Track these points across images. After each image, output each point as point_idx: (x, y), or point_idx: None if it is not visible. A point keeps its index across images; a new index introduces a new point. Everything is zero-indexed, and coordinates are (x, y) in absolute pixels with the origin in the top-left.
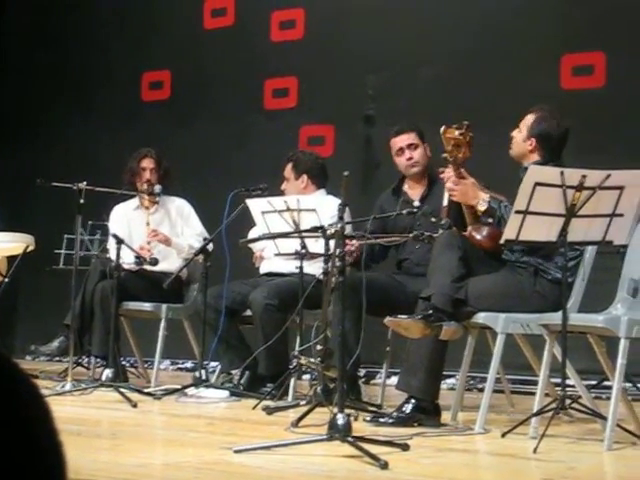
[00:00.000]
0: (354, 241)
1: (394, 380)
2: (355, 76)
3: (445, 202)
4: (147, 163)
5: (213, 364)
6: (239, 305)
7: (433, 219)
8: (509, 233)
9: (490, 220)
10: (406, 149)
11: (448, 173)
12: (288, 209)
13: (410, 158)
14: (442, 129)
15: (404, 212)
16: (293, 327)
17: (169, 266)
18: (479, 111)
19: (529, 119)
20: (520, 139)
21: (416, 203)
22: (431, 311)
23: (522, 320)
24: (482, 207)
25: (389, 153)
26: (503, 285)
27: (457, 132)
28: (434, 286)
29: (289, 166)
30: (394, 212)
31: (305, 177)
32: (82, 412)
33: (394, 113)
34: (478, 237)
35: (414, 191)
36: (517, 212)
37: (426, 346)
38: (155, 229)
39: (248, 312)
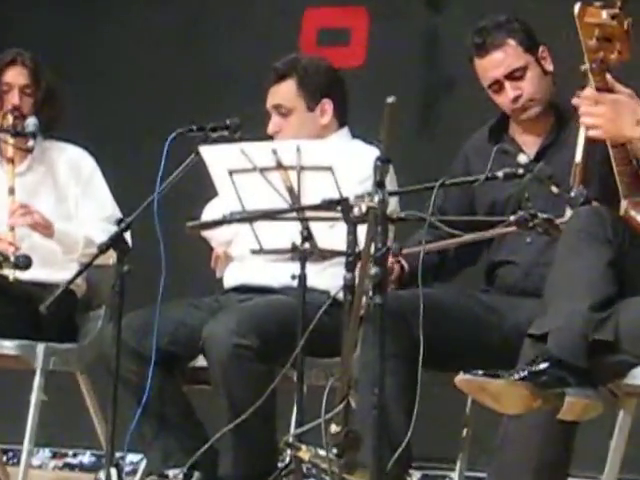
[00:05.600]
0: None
1: None
2: None
3: (578, 157)
4: (14, 76)
5: (133, 458)
6: (184, 347)
7: (555, 188)
8: None
9: None
10: (505, 81)
11: (588, 92)
12: (279, 166)
13: (518, 96)
14: (576, 9)
15: (499, 174)
16: (286, 389)
17: (51, 274)
18: None
19: None
20: None
21: (523, 158)
22: (545, 365)
23: None
24: None
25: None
26: None
27: (605, 14)
28: (556, 316)
29: (289, 84)
30: (481, 175)
31: (328, 104)
32: None
33: None
34: None
35: (528, 137)
36: None
37: (536, 430)
38: (25, 203)
39: (201, 360)
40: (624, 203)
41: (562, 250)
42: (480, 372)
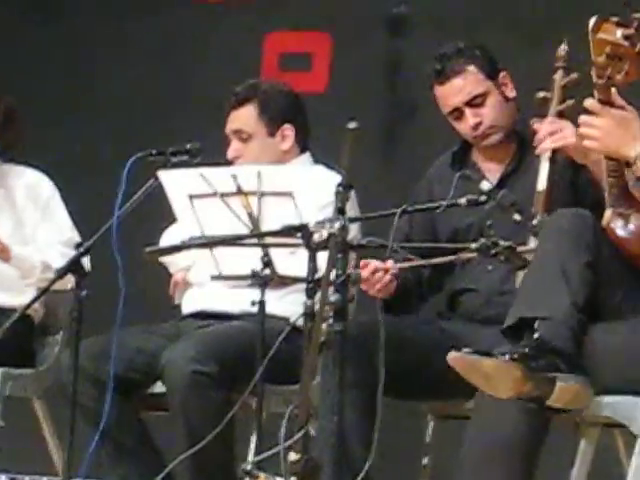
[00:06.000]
0: (390, 262)
1: None
2: None
3: (541, 185)
4: None
5: None
6: (142, 374)
7: (517, 216)
8: None
9: None
10: (465, 108)
11: (591, 102)
12: (239, 191)
13: (478, 123)
14: (592, 22)
15: (461, 202)
16: (245, 417)
17: (8, 299)
18: None
19: None
20: None
21: (486, 185)
22: (530, 348)
23: None
24: None
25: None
26: None
27: (620, 33)
28: (541, 306)
29: (249, 109)
30: (443, 202)
31: (289, 129)
32: None
33: (443, 10)
34: (620, 232)
35: (490, 164)
36: None
37: (505, 451)
38: None
39: (159, 387)
40: (608, 212)
41: (542, 248)
42: (471, 349)
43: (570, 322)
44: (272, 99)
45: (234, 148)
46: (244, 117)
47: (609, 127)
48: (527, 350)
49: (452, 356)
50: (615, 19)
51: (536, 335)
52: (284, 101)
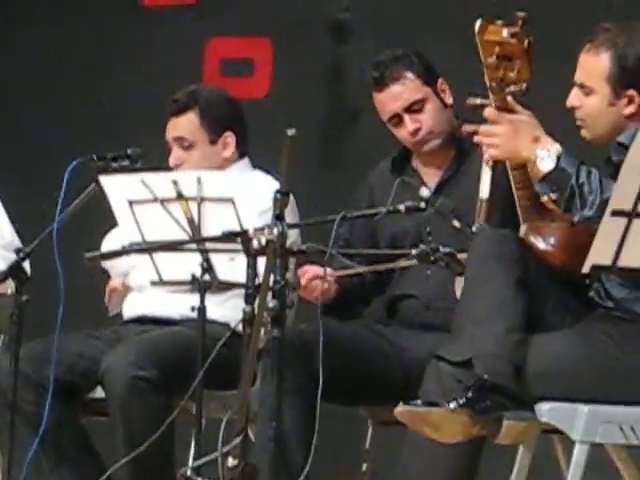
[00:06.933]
0: (329, 270)
1: None
2: None
3: (483, 193)
4: None
5: None
6: (82, 378)
7: (456, 222)
8: (600, 252)
9: (554, 197)
10: (404, 114)
11: (488, 112)
12: (179, 197)
13: (417, 129)
14: (477, 26)
15: (401, 208)
16: (184, 422)
17: None
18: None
19: (601, 60)
20: (598, 104)
21: (425, 192)
22: (473, 391)
23: (621, 418)
24: (545, 165)
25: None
26: (588, 351)
27: (505, 32)
28: (476, 341)
29: (191, 117)
30: (382, 208)
31: (230, 137)
32: None
33: (384, 16)
34: (542, 246)
35: (429, 169)
36: (615, 213)
37: (445, 459)
38: None
39: (99, 392)
40: (523, 228)
41: (471, 274)
42: (419, 402)
43: (508, 353)
44: (213, 106)
45: (176, 156)
46: (185, 125)
47: (507, 133)
48: (470, 394)
49: (399, 410)
50: (499, 21)
51: (476, 375)
52: (225, 108)
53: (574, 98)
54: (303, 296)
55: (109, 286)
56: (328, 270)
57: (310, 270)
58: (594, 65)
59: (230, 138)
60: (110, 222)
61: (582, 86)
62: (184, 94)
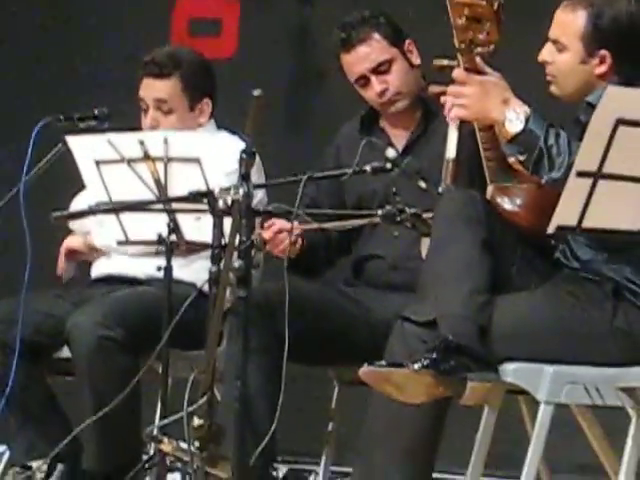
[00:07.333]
0: (295, 223)
1: None
2: None
3: (451, 153)
4: None
5: None
6: (48, 337)
7: (422, 183)
8: (565, 213)
9: (522, 158)
10: (371, 75)
11: (456, 73)
12: (146, 157)
13: (384, 90)
14: None
15: (367, 169)
16: (150, 381)
17: None
18: None
19: (577, 18)
20: (569, 61)
21: (391, 153)
22: (438, 351)
23: (586, 379)
24: (513, 127)
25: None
26: (554, 312)
27: None
28: (442, 302)
29: (173, 82)
30: (348, 169)
31: (207, 104)
32: None
33: None
34: (508, 207)
35: (397, 130)
36: (581, 174)
37: (410, 419)
38: None
39: (66, 351)
40: (490, 189)
41: (437, 235)
42: (383, 363)
43: (473, 314)
44: (195, 74)
45: (153, 117)
46: (167, 90)
47: (476, 94)
48: (435, 355)
49: (363, 370)
50: None
51: (440, 335)
52: (204, 75)
53: (547, 53)
54: (269, 250)
55: (65, 245)
56: (295, 223)
57: (275, 224)
58: (569, 22)
59: (207, 105)
60: (78, 183)
61: (555, 42)
62: (164, 56)
